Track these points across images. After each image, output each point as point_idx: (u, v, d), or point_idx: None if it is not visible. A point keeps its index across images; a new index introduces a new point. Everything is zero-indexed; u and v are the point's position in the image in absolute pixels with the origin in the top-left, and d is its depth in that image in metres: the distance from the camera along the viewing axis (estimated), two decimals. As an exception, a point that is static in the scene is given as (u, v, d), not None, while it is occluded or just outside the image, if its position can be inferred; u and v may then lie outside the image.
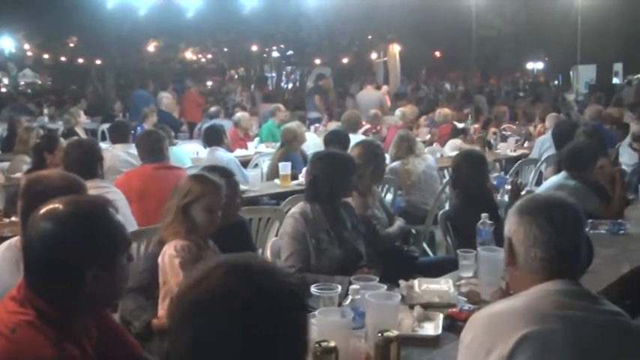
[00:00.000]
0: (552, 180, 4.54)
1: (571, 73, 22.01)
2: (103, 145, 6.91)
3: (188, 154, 7.06)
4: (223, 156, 6.12)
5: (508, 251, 1.88)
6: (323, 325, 2.25)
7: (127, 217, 3.98)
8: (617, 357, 1.73)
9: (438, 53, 22.64)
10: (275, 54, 19.71)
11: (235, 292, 1.22)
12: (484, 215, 3.41)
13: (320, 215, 3.44)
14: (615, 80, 21.31)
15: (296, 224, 3.38)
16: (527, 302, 1.75)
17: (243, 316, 1.21)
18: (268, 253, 3.62)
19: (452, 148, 8.04)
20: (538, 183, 6.37)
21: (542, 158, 6.93)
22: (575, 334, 1.68)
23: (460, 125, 9.46)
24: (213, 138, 6.32)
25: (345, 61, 19.81)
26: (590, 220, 4.01)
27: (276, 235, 4.01)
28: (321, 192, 3.47)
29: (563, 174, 4.44)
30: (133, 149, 5.47)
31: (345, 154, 3.78)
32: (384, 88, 14.19)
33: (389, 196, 5.58)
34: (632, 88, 16.35)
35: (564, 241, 1.81)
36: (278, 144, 6.93)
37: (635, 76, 20.92)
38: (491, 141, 8.83)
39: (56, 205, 1.74)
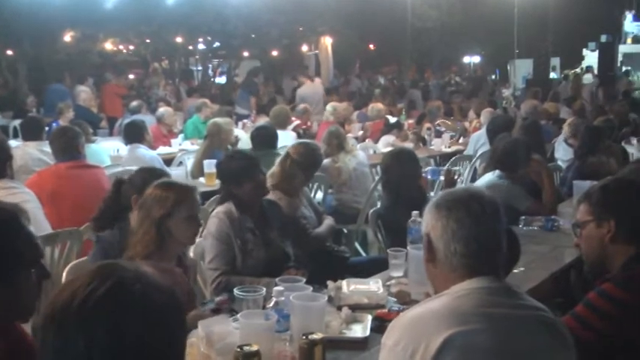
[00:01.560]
0: (485, 178, 4.52)
1: (508, 67, 22.39)
2: (14, 142, 6.52)
3: (107, 151, 6.75)
4: (145, 154, 5.88)
5: (427, 248, 1.85)
6: (246, 328, 2.20)
7: (39, 219, 3.85)
8: (540, 352, 1.71)
9: (372, 46, 22.62)
10: (201, 46, 19.29)
11: (92, 293, 1.19)
12: (415, 213, 3.35)
13: (245, 215, 3.35)
14: (552, 75, 21.53)
15: (220, 224, 3.31)
16: (449, 303, 1.71)
17: (101, 317, 1.17)
18: (192, 255, 3.45)
19: (385, 144, 7.93)
20: (473, 179, 6.34)
21: (478, 154, 6.88)
22: (499, 331, 1.66)
23: (393, 120, 9.39)
24: (134, 135, 6.05)
25: (274, 54, 19.59)
26: (523, 217, 4.04)
27: (201, 236, 3.83)
28: (229, 193, 3.37)
29: (497, 173, 4.44)
30: (47, 147, 5.24)
31: (249, 154, 3.62)
32: (317, 80, 14.07)
33: (319, 195, 5.47)
34: (568, 83, 16.55)
35: (484, 233, 1.77)
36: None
37: (572, 71, 21.53)
38: (426, 137, 8.79)
39: None
